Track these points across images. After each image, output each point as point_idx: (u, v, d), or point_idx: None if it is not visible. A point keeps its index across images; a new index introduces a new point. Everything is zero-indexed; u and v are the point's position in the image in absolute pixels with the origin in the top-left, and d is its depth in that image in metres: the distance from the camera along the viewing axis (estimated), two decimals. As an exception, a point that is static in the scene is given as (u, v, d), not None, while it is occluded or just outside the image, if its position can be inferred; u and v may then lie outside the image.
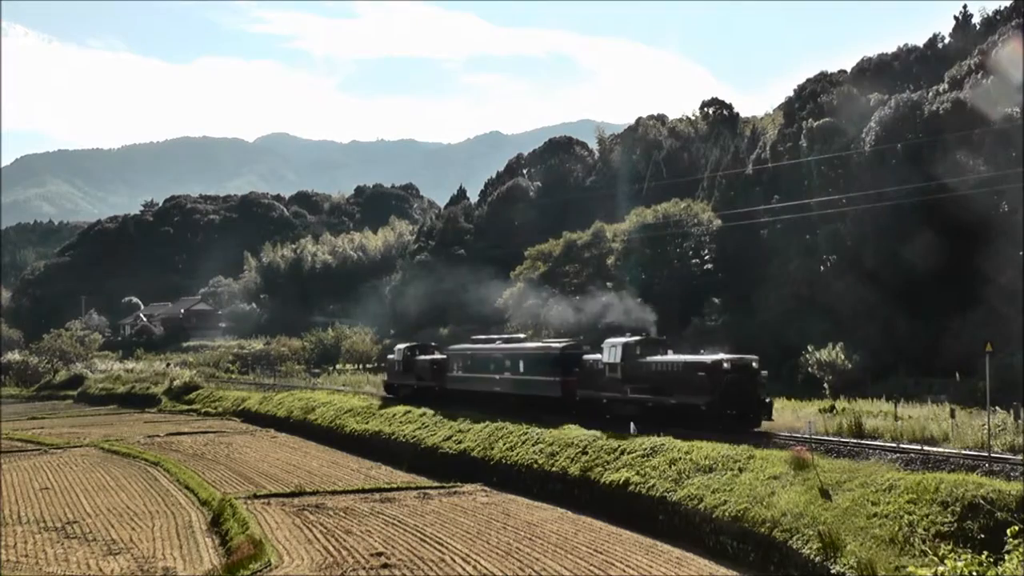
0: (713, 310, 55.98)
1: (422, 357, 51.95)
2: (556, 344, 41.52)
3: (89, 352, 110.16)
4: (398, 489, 35.36)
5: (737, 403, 31.79)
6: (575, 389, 38.24)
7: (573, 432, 34.79)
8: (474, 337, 49.81)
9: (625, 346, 35.84)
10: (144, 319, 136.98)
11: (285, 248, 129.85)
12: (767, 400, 32.72)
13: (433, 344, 56.93)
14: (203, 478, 38.53)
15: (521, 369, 41.63)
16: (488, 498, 33.23)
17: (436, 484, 36.15)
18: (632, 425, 33.73)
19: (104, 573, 24.63)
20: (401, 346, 55.00)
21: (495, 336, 48.90)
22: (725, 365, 31.93)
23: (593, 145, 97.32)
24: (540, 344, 42.84)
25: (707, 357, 33.33)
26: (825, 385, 43.65)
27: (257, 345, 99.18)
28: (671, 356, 35.13)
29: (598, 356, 37.18)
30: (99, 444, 51.13)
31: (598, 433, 33.43)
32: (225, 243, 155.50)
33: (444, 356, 49.89)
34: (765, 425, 32.23)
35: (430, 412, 44.76)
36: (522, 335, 48.91)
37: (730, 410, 31.77)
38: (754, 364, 32.49)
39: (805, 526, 22.26)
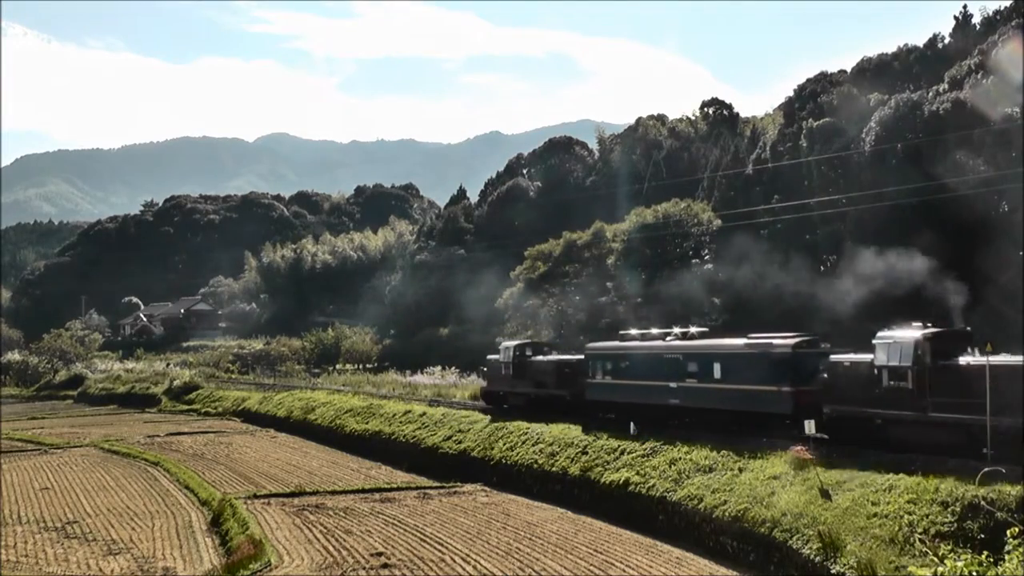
0: (713, 310, 55.96)
1: (540, 358, 42.15)
2: (782, 340, 29.81)
3: (89, 352, 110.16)
4: (398, 489, 35.38)
5: None
6: (816, 402, 27.50)
7: (573, 431, 34.69)
8: (623, 333, 38.26)
9: (925, 341, 24.74)
10: (144, 319, 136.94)
11: (285, 248, 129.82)
12: None
13: (547, 344, 46.79)
14: (203, 478, 38.54)
15: (718, 374, 30.94)
16: (488, 498, 33.24)
17: (436, 484, 36.16)
18: (632, 425, 33.70)
19: (104, 573, 24.63)
20: (508, 344, 44.24)
21: (659, 331, 37.19)
22: None
23: (593, 145, 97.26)
24: (752, 341, 30.68)
25: None
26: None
27: (257, 345, 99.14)
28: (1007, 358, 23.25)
29: (861, 356, 26.85)
30: (99, 444, 51.13)
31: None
32: (225, 243, 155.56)
33: (577, 357, 39.54)
34: None
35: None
36: (695, 329, 36.04)
37: None
38: None
39: (805, 526, 22.26)
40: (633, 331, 38.02)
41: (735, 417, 30.52)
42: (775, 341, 29.99)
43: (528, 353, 42.54)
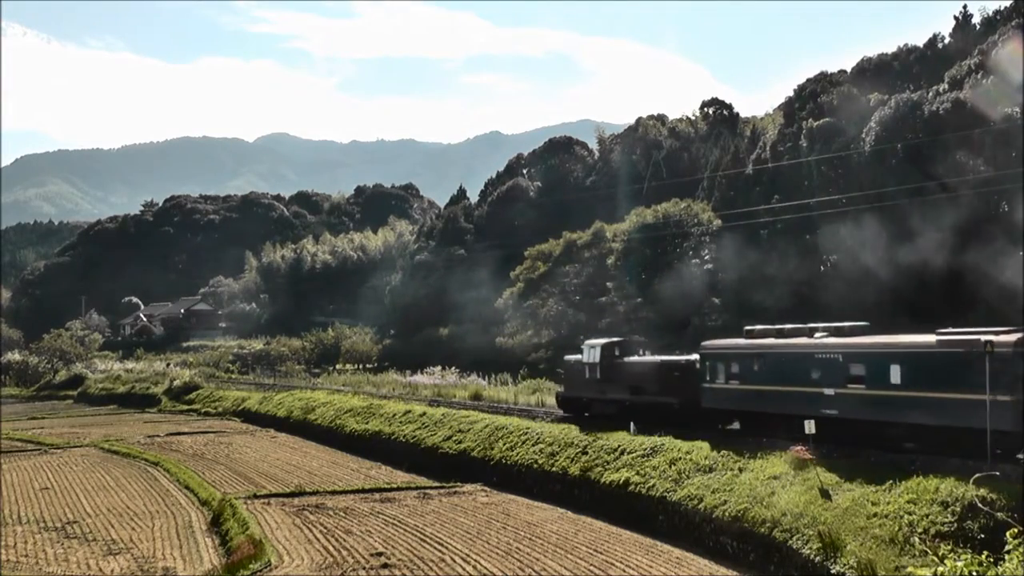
0: (713, 310, 55.97)
1: (636, 358, 36.30)
2: (1003, 336, 23.34)
3: (89, 352, 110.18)
4: (398, 489, 35.38)
5: None
6: None
7: (573, 431, 34.69)
8: (749, 329, 31.62)
9: None
10: (144, 319, 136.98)
11: (285, 248, 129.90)
12: None
13: (638, 341, 39.34)
14: (203, 478, 38.54)
15: (896, 379, 25.21)
16: (488, 498, 33.24)
17: (436, 484, 36.16)
18: (632, 425, 33.70)
19: (104, 573, 24.63)
20: (595, 342, 38.21)
21: (792, 326, 30.72)
22: None
23: (593, 145, 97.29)
24: (949, 337, 24.64)
25: None
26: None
27: (257, 345, 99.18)
28: None
29: None
30: (99, 444, 51.13)
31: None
32: (225, 243, 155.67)
33: (686, 358, 33.87)
34: None
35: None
36: (859, 324, 29.31)
37: None
38: None
39: (805, 526, 22.27)
40: (759, 327, 31.49)
41: (921, 433, 24.81)
42: (990, 337, 23.34)
43: (618, 353, 36.74)
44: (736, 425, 31.31)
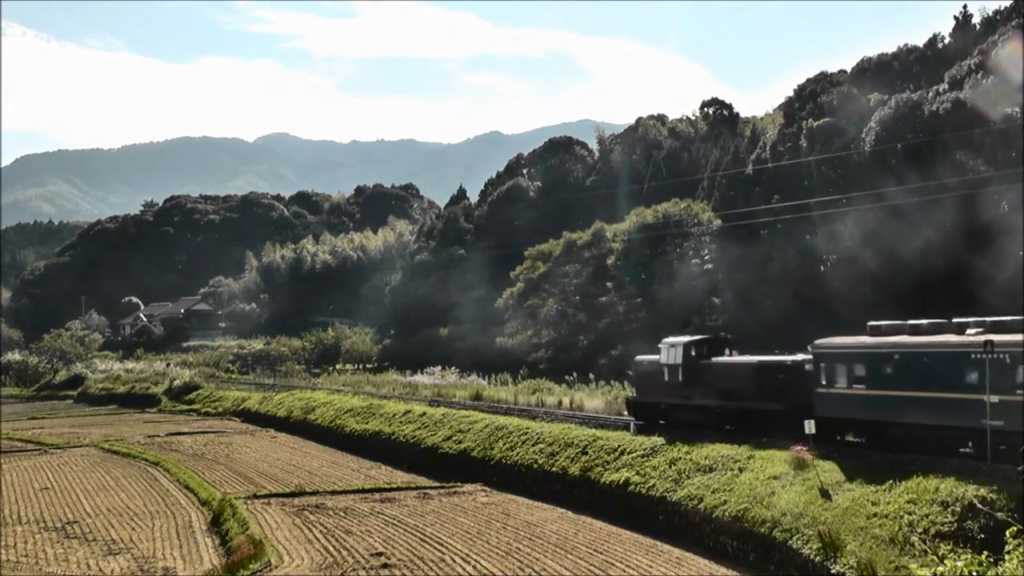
0: (713, 310, 55.98)
1: (727, 359, 32.56)
2: None
3: (89, 352, 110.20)
4: (398, 489, 35.38)
5: None
6: None
7: (573, 431, 34.66)
8: (875, 325, 27.49)
9: None
10: (144, 319, 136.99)
11: (285, 248, 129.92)
12: None
13: (724, 339, 34.96)
14: (203, 478, 38.54)
15: None
16: (488, 498, 33.24)
17: (436, 484, 36.16)
18: (632, 424, 33.70)
19: (104, 573, 24.63)
20: (676, 341, 33.63)
21: (941, 321, 26.53)
22: None
23: (593, 145, 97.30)
24: None
25: None
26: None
27: (257, 345, 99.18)
28: None
29: None
30: (99, 444, 51.13)
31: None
32: (225, 243, 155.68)
33: (792, 358, 29.77)
34: None
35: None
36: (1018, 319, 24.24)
37: None
38: None
39: (805, 526, 22.27)
40: (886, 323, 27.33)
41: None
42: None
43: (704, 352, 32.83)
44: (855, 437, 26.50)
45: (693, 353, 32.63)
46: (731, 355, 32.92)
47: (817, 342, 28.41)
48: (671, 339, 34.13)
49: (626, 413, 36.60)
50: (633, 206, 67.25)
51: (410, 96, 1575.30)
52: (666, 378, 33.20)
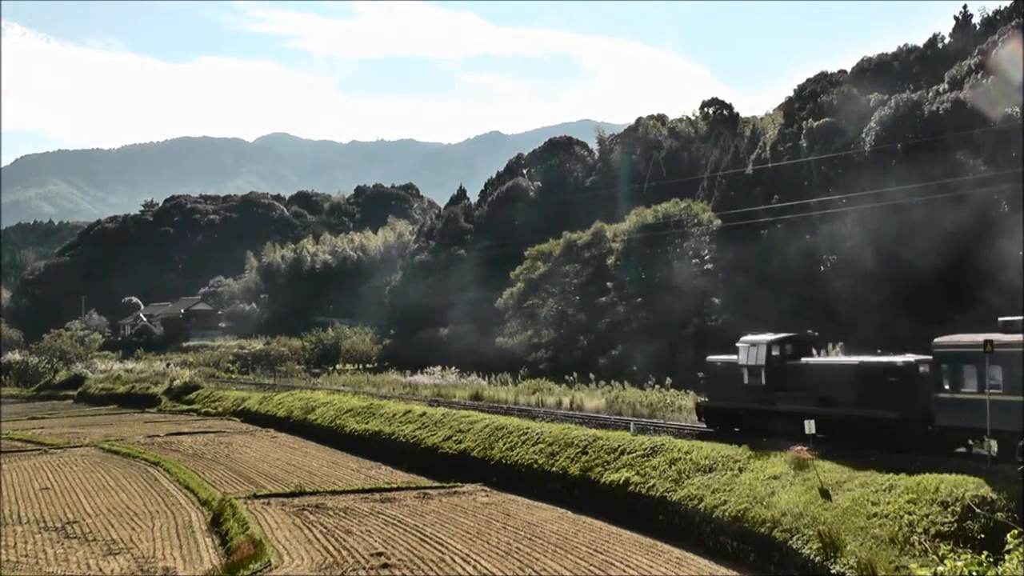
0: (713, 310, 56.00)
1: (821, 360, 29.53)
2: None
3: (89, 352, 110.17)
4: (398, 489, 35.37)
5: None
6: None
7: (573, 431, 34.68)
8: (1008, 321, 23.81)
9: None
10: (144, 319, 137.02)
11: (285, 248, 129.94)
12: None
13: (809, 337, 31.32)
14: (203, 478, 38.53)
15: None
16: (488, 498, 33.23)
17: (436, 484, 36.15)
18: (632, 425, 33.69)
19: (104, 573, 24.63)
20: (758, 339, 30.13)
21: None
22: None
23: (593, 145, 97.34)
24: None
25: None
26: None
27: (257, 345, 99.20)
28: None
29: None
30: (99, 444, 51.12)
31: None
32: (225, 243, 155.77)
33: (904, 359, 26.00)
34: None
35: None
36: None
37: None
38: None
39: (805, 526, 22.26)
40: (1020, 319, 23.49)
41: None
42: None
43: (790, 352, 29.41)
44: (990, 448, 22.27)
45: (777, 353, 29.24)
46: (819, 355, 30.05)
47: (938, 340, 24.91)
48: (751, 337, 30.73)
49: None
50: (633, 206, 67.28)
51: (410, 96, 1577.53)
52: (745, 380, 30.02)
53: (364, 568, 23.92)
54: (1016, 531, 14.00)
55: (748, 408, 30.22)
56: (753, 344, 30.04)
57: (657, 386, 45.28)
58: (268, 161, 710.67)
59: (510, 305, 69.77)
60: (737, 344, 31.03)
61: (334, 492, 34.83)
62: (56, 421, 67.65)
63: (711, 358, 33.18)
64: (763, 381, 29.31)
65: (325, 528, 28.61)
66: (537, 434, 36.00)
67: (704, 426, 32.47)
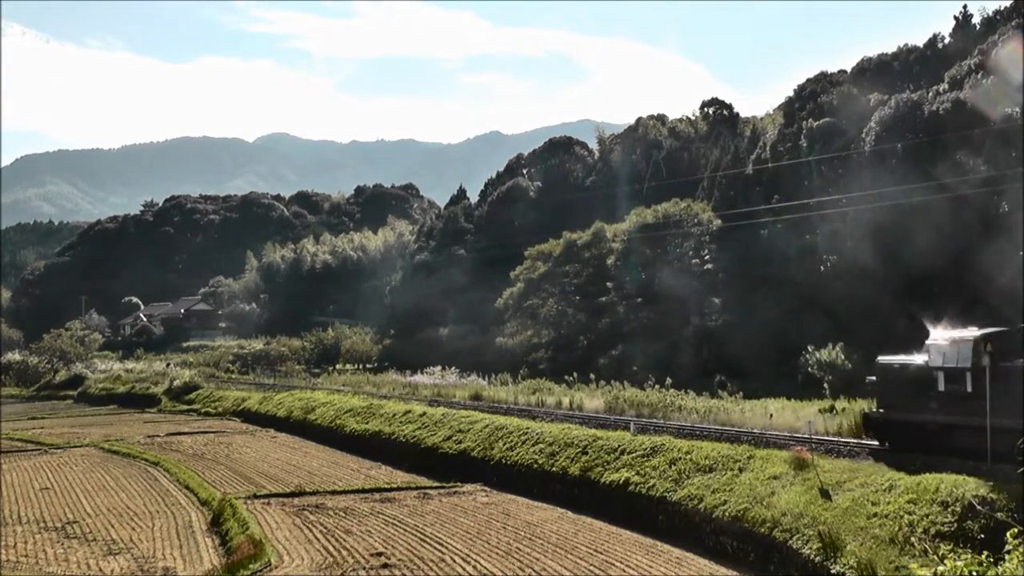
0: (713, 310, 56.02)
1: None
2: None
3: (89, 352, 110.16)
4: (398, 489, 35.35)
5: None
6: None
7: (573, 431, 34.67)
8: None
9: None
10: (144, 319, 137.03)
11: (285, 248, 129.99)
12: None
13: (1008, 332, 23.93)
14: (203, 478, 38.51)
15: None
16: (488, 498, 33.22)
17: (436, 484, 36.13)
18: (632, 425, 33.67)
19: (104, 573, 24.62)
20: (960, 335, 23.45)
21: None
22: None
23: (593, 145, 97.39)
24: None
25: None
26: (825, 385, 43.64)
27: (257, 345, 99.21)
28: None
29: None
30: (99, 444, 51.10)
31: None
32: (225, 243, 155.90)
33: None
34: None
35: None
36: None
37: None
38: None
39: (805, 526, 22.26)
40: None
41: None
42: None
43: (1001, 351, 22.50)
44: None
45: (984, 352, 22.45)
46: None
47: None
48: (950, 332, 24.02)
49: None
50: (633, 206, 67.33)
51: (410, 96, 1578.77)
52: (941, 388, 23.37)
53: (364, 568, 23.92)
54: (1016, 530, 13.99)
55: (941, 422, 23.47)
56: (955, 341, 23.21)
57: (657, 386, 45.28)
58: (268, 161, 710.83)
59: (510, 305, 69.79)
60: (928, 342, 24.19)
61: (334, 492, 34.81)
62: (56, 421, 67.63)
63: (884, 359, 25.89)
64: (968, 388, 22.63)
65: (325, 528, 28.59)
66: (537, 434, 36.00)
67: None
